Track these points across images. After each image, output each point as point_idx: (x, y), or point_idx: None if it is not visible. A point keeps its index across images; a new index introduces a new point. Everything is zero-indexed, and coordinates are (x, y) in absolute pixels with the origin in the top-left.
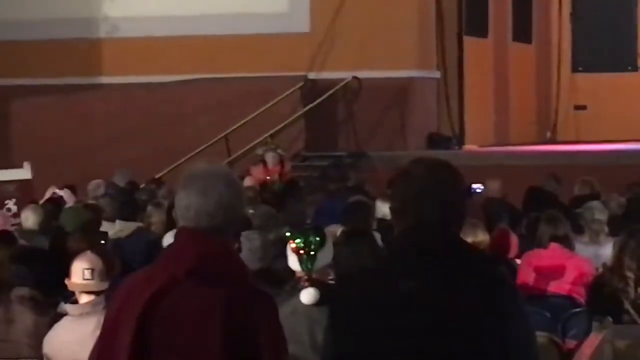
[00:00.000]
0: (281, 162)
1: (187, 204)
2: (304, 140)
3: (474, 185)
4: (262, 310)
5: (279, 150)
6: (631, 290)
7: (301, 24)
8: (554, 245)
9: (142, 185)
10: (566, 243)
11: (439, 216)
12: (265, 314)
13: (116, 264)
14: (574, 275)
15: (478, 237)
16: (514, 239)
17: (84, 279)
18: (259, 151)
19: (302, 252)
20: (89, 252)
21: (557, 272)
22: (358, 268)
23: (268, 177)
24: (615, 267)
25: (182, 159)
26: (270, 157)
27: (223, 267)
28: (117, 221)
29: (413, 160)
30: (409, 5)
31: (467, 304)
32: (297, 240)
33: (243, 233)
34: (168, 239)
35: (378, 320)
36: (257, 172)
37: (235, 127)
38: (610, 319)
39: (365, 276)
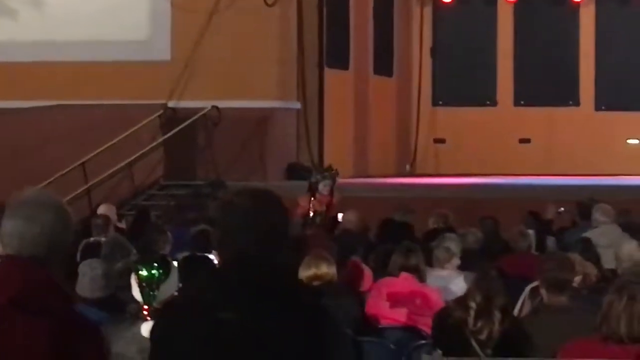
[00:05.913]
0: (331, 192)
1: (11, 231)
2: (162, 168)
3: (340, 215)
4: (88, 341)
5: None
6: (471, 320)
7: (162, 52)
8: (405, 275)
9: None
10: (417, 274)
11: (261, 247)
12: (90, 345)
13: None
14: (422, 306)
15: (321, 269)
16: (367, 272)
17: None
18: (313, 179)
19: (144, 284)
20: None
21: (407, 299)
22: (179, 296)
23: (314, 208)
24: (462, 298)
25: (39, 186)
26: (326, 186)
27: (47, 297)
28: None
29: (237, 190)
30: (270, 36)
31: (288, 336)
32: (140, 272)
33: (85, 261)
34: None
35: (196, 350)
36: (305, 201)
37: (93, 154)
38: (440, 352)
39: (184, 306)
